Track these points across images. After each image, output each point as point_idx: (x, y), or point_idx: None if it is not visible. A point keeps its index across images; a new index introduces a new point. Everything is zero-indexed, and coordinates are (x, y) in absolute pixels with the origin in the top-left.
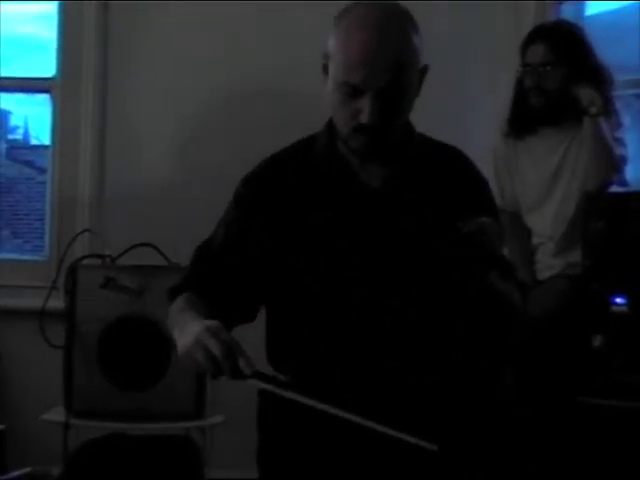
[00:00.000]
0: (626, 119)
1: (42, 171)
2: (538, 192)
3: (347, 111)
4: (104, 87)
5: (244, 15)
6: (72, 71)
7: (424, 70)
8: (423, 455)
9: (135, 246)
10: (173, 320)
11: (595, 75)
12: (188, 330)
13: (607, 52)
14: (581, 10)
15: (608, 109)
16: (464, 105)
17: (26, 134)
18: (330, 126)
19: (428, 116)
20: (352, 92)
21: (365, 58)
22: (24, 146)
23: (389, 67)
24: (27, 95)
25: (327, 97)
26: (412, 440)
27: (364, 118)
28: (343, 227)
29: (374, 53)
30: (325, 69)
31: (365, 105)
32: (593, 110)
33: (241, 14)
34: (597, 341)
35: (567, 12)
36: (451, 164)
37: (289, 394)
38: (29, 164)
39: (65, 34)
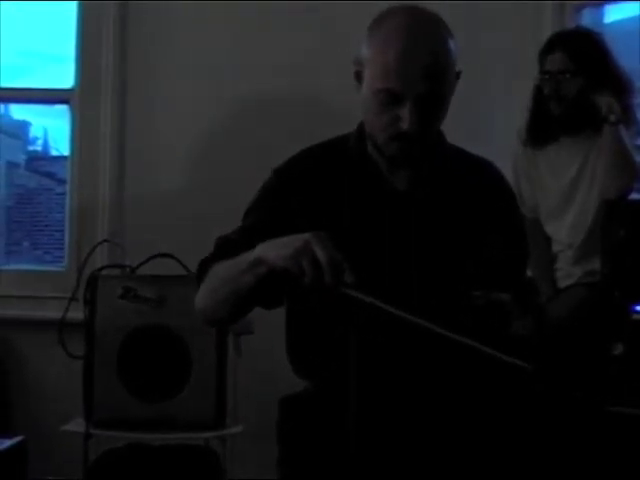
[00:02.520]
0: None
1: (62, 182)
2: (557, 200)
3: (384, 119)
4: (123, 97)
5: (263, 25)
6: (91, 81)
7: (458, 75)
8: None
9: (154, 256)
10: (229, 263)
11: (614, 83)
12: (289, 238)
13: (627, 59)
14: (601, 17)
15: (628, 117)
16: (482, 113)
17: (46, 145)
18: (360, 130)
19: (445, 124)
20: (390, 100)
21: (404, 64)
22: (44, 157)
23: (428, 72)
24: (46, 106)
25: (360, 103)
26: (506, 358)
27: (405, 125)
28: (369, 229)
29: (413, 59)
30: (358, 76)
31: (405, 112)
32: (612, 118)
33: (260, 24)
34: (617, 349)
35: (587, 19)
36: (482, 177)
37: (389, 308)
38: (49, 175)
39: (84, 44)
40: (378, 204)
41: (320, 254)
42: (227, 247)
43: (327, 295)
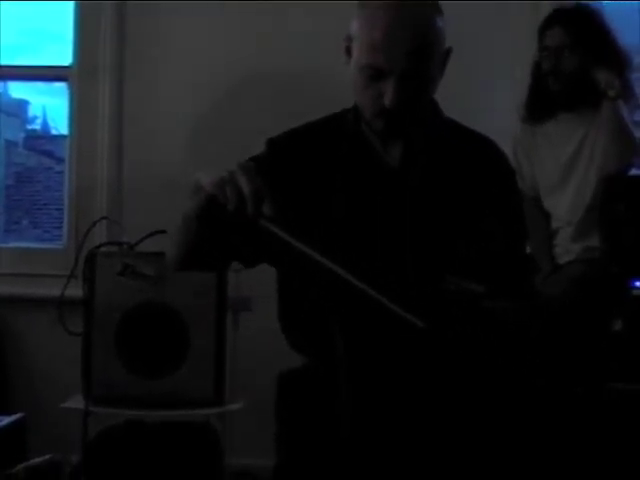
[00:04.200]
0: None
1: (60, 160)
2: (556, 176)
3: (370, 94)
4: (121, 75)
5: (260, 8)
6: (89, 59)
7: (447, 53)
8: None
9: (153, 233)
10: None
11: (613, 58)
12: (218, 170)
13: (626, 35)
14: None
15: (626, 92)
16: (482, 90)
17: (44, 124)
18: (356, 106)
19: (444, 101)
20: (375, 75)
21: (389, 40)
22: (42, 136)
23: (413, 50)
24: (45, 85)
25: (349, 79)
26: (403, 313)
27: (387, 101)
28: (361, 205)
29: (398, 35)
30: (348, 52)
31: (388, 88)
32: (611, 93)
33: (258, 8)
34: (617, 325)
35: None
36: (479, 152)
37: (301, 246)
38: (47, 154)
39: (82, 21)
40: (371, 180)
41: (243, 184)
42: None
43: (246, 226)
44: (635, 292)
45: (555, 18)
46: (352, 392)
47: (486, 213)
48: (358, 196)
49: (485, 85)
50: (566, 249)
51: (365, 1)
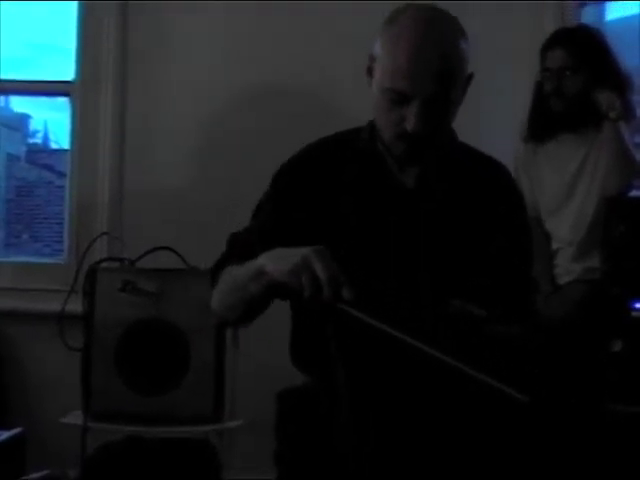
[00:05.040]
0: None
1: (61, 175)
2: (557, 197)
3: (391, 117)
4: (123, 90)
5: (264, 15)
6: (91, 74)
7: (469, 78)
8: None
9: (154, 249)
10: (240, 268)
11: (615, 80)
12: (289, 252)
13: (628, 56)
14: (602, 14)
15: (628, 114)
16: (484, 110)
17: (46, 138)
18: (372, 125)
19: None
20: (398, 99)
21: (413, 65)
22: (44, 150)
23: (437, 75)
24: (47, 99)
25: (370, 99)
26: (504, 388)
27: (409, 126)
28: (376, 226)
29: (423, 61)
30: (369, 71)
31: (411, 113)
32: (613, 114)
33: (261, 14)
34: (617, 346)
35: (588, 16)
36: (491, 176)
37: (384, 327)
38: (49, 168)
39: (84, 37)
40: (386, 201)
41: (319, 270)
42: (239, 248)
43: (325, 310)
44: (635, 313)
45: (557, 39)
46: (353, 414)
47: (497, 237)
48: (373, 216)
49: (487, 105)
50: (567, 269)
51: (390, 21)
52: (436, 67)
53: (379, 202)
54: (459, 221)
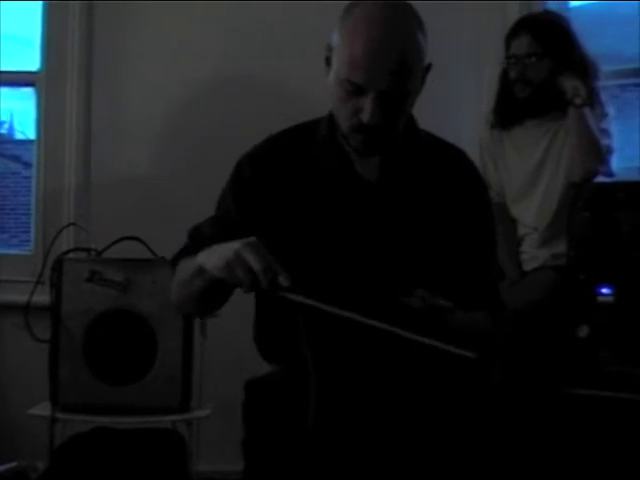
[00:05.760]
0: (611, 110)
1: (28, 165)
2: (523, 183)
3: (348, 108)
4: (89, 80)
5: (231, 7)
6: (57, 64)
7: (427, 68)
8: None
9: (121, 239)
10: (187, 264)
11: (580, 66)
12: (223, 248)
13: (592, 43)
14: (566, 1)
15: (593, 100)
16: (450, 98)
17: (11, 128)
18: (331, 117)
19: (415, 110)
20: (354, 90)
21: (370, 58)
22: (10, 140)
23: (393, 68)
24: (12, 89)
25: (328, 89)
26: (450, 348)
27: (365, 118)
28: (337, 218)
29: (379, 53)
30: (327, 61)
31: (367, 104)
32: (578, 101)
33: (226, 8)
34: (583, 332)
35: (552, 3)
36: (452, 164)
37: (327, 307)
38: (15, 158)
39: (50, 27)
40: (347, 193)
41: (253, 261)
42: (198, 240)
43: (267, 297)
44: (601, 299)
45: (522, 26)
46: (321, 399)
47: (460, 226)
48: (334, 208)
49: (451, 91)
50: (533, 255)
51: (348, 12)
52: (393, 60)
53: (340, 194)
54: (421, 212)
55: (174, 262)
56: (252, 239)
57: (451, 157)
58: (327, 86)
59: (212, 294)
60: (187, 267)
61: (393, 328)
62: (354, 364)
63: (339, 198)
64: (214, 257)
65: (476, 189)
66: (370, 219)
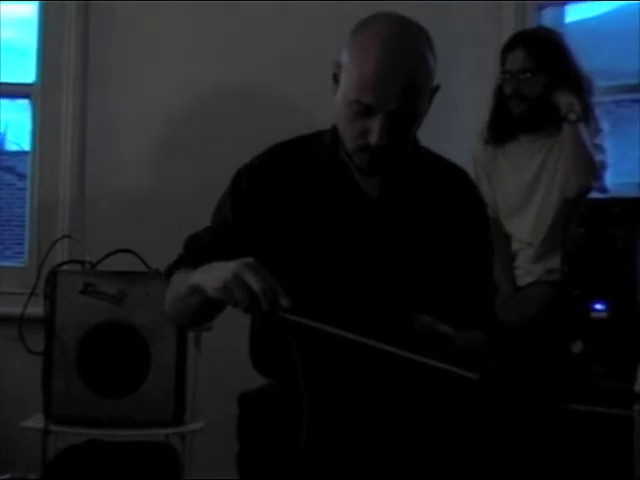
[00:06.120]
0: (605, 125)
1: (22, 177)
2: (517, 198)
3: (355, 128)
4: (84, 92)
5: (227, 17)
6: (52, 76)
7: (435, 90)
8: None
9: (115, 252)
10: (183, 278)
11: (575, 82)
12: (221, 267)
13: (587, 59)
14: (561, 17)
15: (587, 115)
16: (444, 113)
17: (6, 140)
18: (335, 132)
19: None
20: (363, 111)
21: (380, 79)
22: (4, 152)
23: (403, 90)
24: (7, 101)
25: (331, 103)
26: (451, 369)
27: (373, 139)
28: (337, 234)
29: (390, 74)
30: (335, 79)
31: (375, 126)
32: (572, 116)
33: (224, 16)
34: (576, 347)
35: (547, 18)
36: (453, 183)
37: (329, 328)
38: (9, 170)
39: (45, 39)
40: (349, 210)
41: (253, 282)
42: (194, 250)
43: (266, 319)
44: (594, 315)
45: (517, 41)
46: (314, 413)
47: (458, 245)
48: (335, 224)
49: (446, 106)
50: (527, 271)
51: (358, 31)
52: (403, 82)
53: (341, 210)
54: (421, 230)
55: (169, 272)
56: (250, 259)
57: (452, 176)
58: (332, 102)
59: (206, 310)
60: (182, 282)
61: (395, 349)
62: (347, 383)
63: (340, 213)
64: (210, 277)
65: (476, 208)
66: (371, 236)
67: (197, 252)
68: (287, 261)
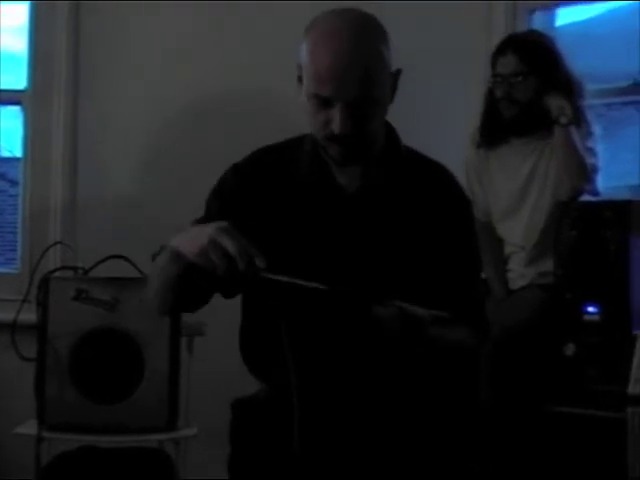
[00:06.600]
0: (597, 129)
1: (14, 184)
2: (510, 202)
3: (320, 120)
4: (75, 99)
5: (215, 26)
6: (43, 83)
7: (397, 74)
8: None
9: (107, 258)
10: (163, 252)
11: (566, 85)
12: (196, 232)
13: (578, 62)
14: (552, 20)
15: (579, 118)
16: (435, 116)
17: None
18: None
19: (399, 129)
20: (323, 103)
21: (333, 70)
22: None
23: (358, 79)
24: None
25: (302, 106)
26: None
27: (335, 128)
28: (315, 229)
29: (343, 66)
30: (300, 79)
31: (336, 115)
32: (563, 120)
33: (215, 22)
34: (569, 350)
35: (538, 22)
36: (433, 179)
37: (305, 283)
38: (1, 177)
39: (36, 45)
40: (324, 205)
41: (229, 245)
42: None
43: (244, 282)
44: (587, 317)
45: (508, 45)
46: (305, 418)
47: (440, 241)
48: (312, 219)
49: (436, 110)
50: (520, 274)
51: (309, 29)
52: (357, 72)
53: (318, 206)
54: (400, 224)
55: (153, 259)
56: (224, 223)
57: (432, 172)
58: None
59: (188, 283)
60: (163, 255)
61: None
62: (340, 384)
63: (317, 209)
64: (187, 242)
65: (457, 204)
66: (346, 230)
67: None
68: (266, 256)
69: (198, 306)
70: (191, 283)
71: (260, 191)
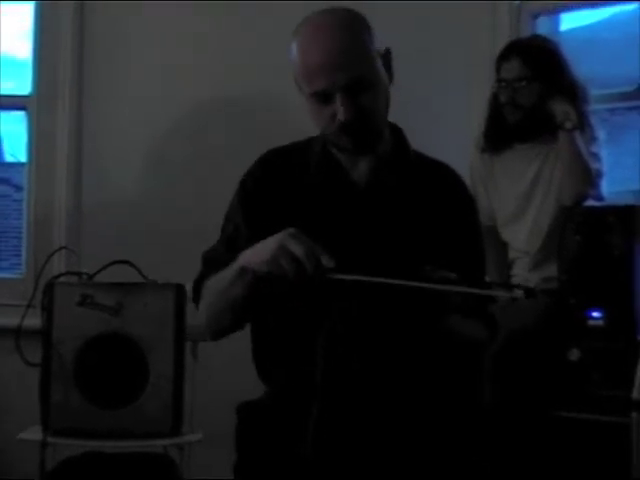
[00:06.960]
0: (601, 134)
1: (19, 189)
2: (514, 206)
3: (325, 117)
4: (80, 104)
5: (221, 27)
6: (48, 88)
7: (387, 54)
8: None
9: (112, 263)
10: (222, 275)
11: (570, 90)
12: (266, 243)
13: (582, 67)
14: (556, 25)
15: (583, 123)
16: (439, 121)
17: (2, 151)
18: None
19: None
20: (322, 99)
21: (319, 63)
22: (0, 163)
23: (343, 64)
24: (3, 112)
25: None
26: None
27: (341, 117)
28: (333, 226)
29: (324, 57)
30: (299, 89)
31: (339, 105)
32: (568, 124)
33: (216, 25)
34: (573, 355)
35: (542, 27)
36: (441, 177)
37: (376, 279)
38: (5, 182)
39: (41, 50)
40: (336, 200)
41: (296, 249)
42: (214, 262)
43: (314, 285)
44: (591, 323)
45: (512, 50)
46: (322, 420)
47: (447, 237)
48: (328, 217)
49: (441, 115)
50: (524, 279)
51: (293, 34)
52: (338, 57)
53: (331, 201)
54: (409, 221)
55: (196, 287)
56: (291, 229)
57: (440, 170)
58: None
59: (251, 299)
60: (223, 275)
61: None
62: (364, 386)
63: (329, 204)
64: (257, 254)
65: (465, 203)
66: (358, 224)
67: (217, 264)
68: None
69: (248, 321)
70: (257, 299)
71: (277, 193)
